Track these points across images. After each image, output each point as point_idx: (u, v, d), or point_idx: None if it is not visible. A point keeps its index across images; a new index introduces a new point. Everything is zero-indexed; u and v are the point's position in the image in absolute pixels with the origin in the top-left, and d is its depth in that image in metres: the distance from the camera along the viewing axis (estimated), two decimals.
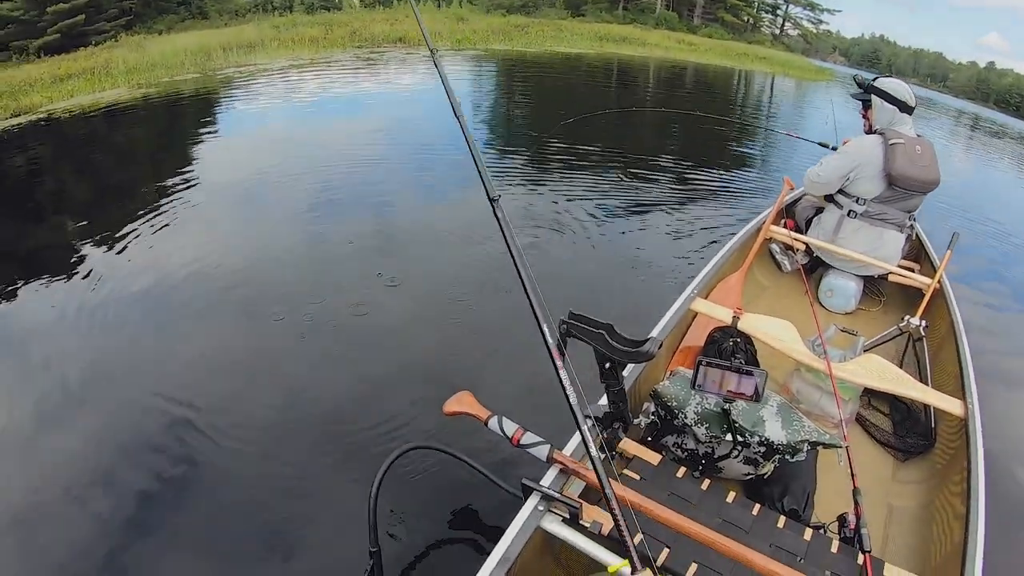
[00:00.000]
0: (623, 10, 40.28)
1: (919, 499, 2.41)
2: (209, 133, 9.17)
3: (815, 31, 51.23)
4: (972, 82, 67.89)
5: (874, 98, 3.68)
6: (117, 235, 5.23)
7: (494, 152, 8.32)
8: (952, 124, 26.54)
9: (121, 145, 9.26)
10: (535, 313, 1.68)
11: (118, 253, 4.94)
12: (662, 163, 8.35)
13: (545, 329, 1.65)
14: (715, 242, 5.11)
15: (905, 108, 3.61)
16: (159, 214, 5.66)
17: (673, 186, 7.35)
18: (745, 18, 46.40)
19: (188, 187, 6.46)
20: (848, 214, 3.68)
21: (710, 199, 7.01)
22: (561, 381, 1.48)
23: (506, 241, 1.76)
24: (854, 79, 3.89)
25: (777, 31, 49.95)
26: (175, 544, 2.42)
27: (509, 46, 23.01)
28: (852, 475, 1.99)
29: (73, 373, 3.45)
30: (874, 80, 3.72)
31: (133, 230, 5.32)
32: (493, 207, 1.87)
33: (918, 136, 3.58)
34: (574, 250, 5.19)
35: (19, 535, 2.47)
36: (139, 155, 8.77)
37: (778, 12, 49.97)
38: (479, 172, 1.87)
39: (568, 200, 6.36)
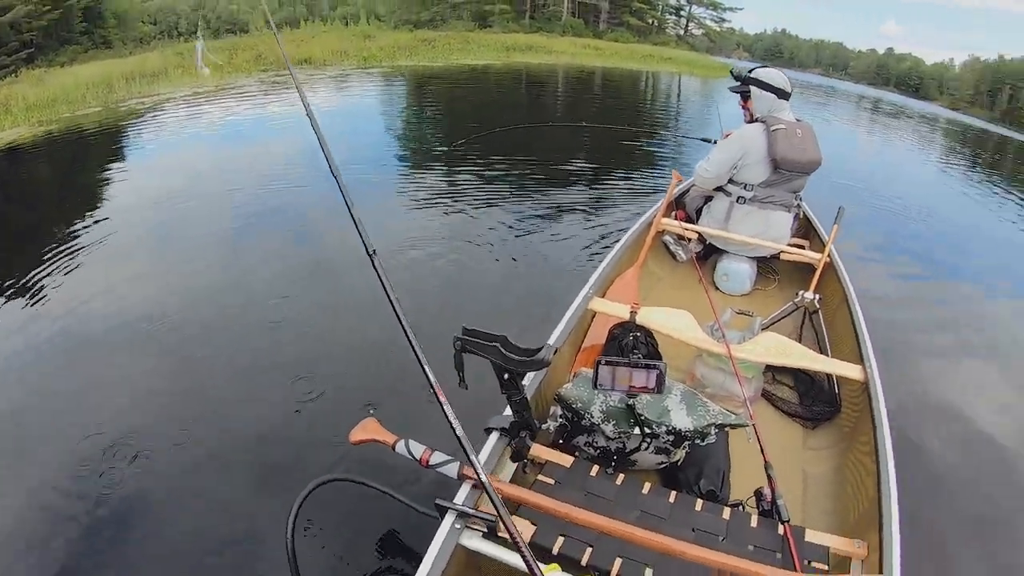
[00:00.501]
0: (530, 19, 40.75)
1: (831, 463, 2.49)
2: (111, 169, 8.84)
3: (718, 29, 52.56)
4: (872, 68, 70.94)
5: (752, 88, 3.82)
6: (25, 279, 5.00)
7: (395, 170, 8.35)
8: (854, 108, 27.83)
9: (24, 186, 8.87)
10: (419, 361, 1.60)
11: (27, 297, 4.73)
12: (565, 171, 8.43)
13: (428, 371, 1.57)
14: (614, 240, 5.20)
15: (783, 95, 3.76)
16: (68, 254, 5.42)
17: (575, 191, 7.44)
18: (650, 20, 47.44)
19: (95, 224, 6.24)
20: (737, 200, 3.80)
21: (609, 201, 7.11)
22: (447, 416, 1.45)
23: (387, 293, 1.73)
24: (731, 72, 4.04)
25: (682, 31, 51.17)
26: None
27: (415, 61, 23.06)
28: (762, 450, 2.02)
29: None
30: (751, 72, 3.85)
31: (42, 273, 5.09)
32: (372, 261, 1.85)
33: (798, 120, 3.73)
34: (477, 261, 5.19)
35: None
36: (44, 195, 8.38)
37: (682, 13, 51.23)
38: (356, 226, 1.82)
39: (471, 213, 6.37)
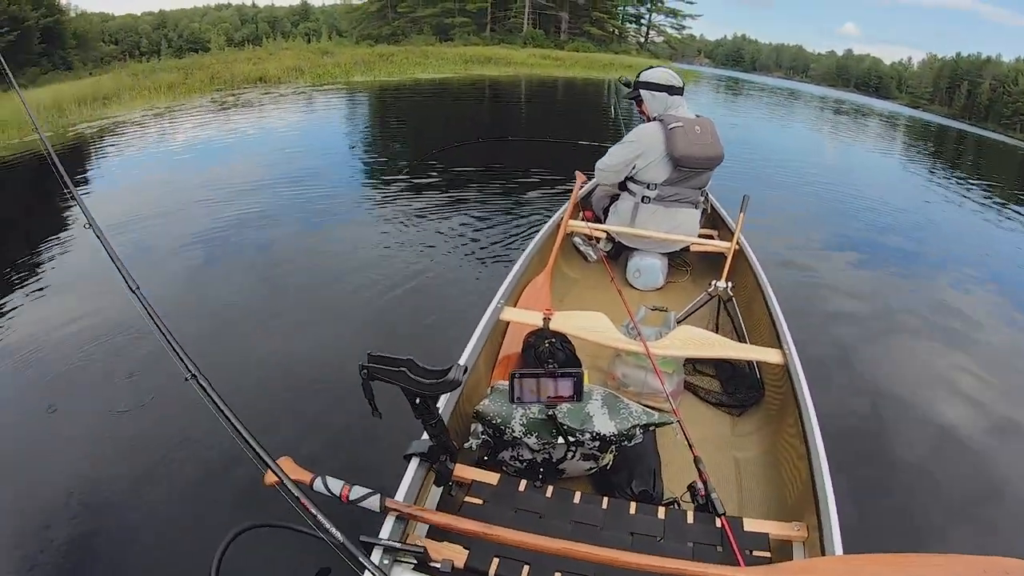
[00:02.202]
0: (490, 31, 40.96)
1: (762, 448, 2.49)
2: (54, 197, 8.77)
3: (679, 36, 53.50)
4: (833, 70, 72.39)
5: (642, 92, 3.86)
6: None
7: (339, 189, 8.31)
8: (817, 111, 28.38)
9: None
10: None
11: None
12: (486, 181, 8.48)
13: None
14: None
15: (674, 91, 3.79)
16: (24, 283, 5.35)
17: (494, 202, 7.42)
18: (610, 29, 47.98)
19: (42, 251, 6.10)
20: (642, 200, 3.81)
21: (528, 208, 7.13)
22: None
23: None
24: (619, 82, 4.13)
25: (643, 39, 51.79)
26: None
27: (372, 77, 23.11)
28: (690, 445, 2.01)
29: None
30: (638, 77, 3.89)
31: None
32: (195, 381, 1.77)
33: (697, 116, 3.75)
34: (388, 279, 5.11)
35: None
36: None
37: (642, 21, 51.97)
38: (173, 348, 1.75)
39: (387, 230, 6.35)
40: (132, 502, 2.86)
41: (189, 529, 2.68)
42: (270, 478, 1.90)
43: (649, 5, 50.91)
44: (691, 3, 58.01)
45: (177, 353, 1.80)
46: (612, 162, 3.82)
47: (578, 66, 30.31)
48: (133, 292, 1.80)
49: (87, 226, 2.14)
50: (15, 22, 30.92)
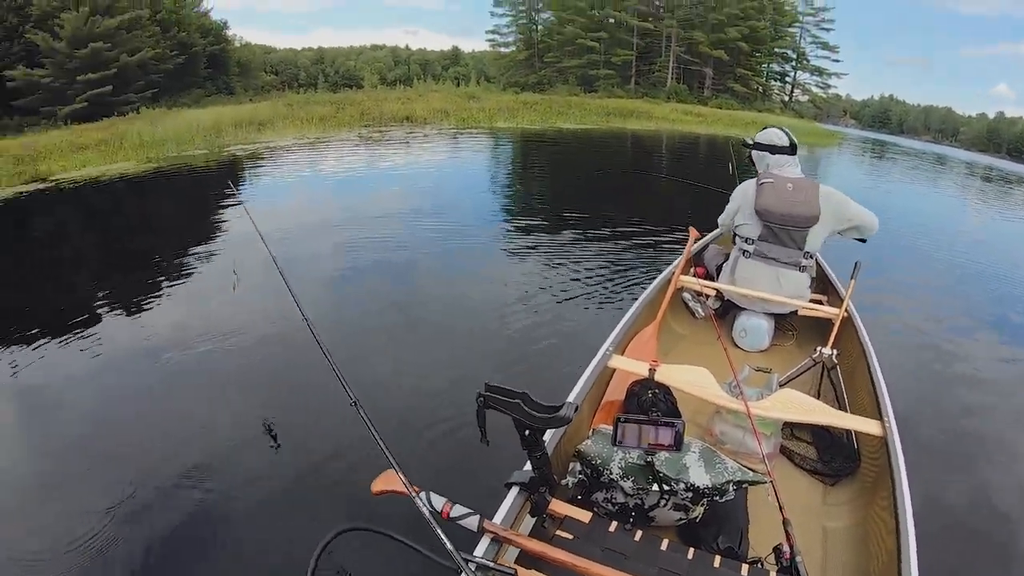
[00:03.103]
0: (635, 84, 41.17)
1: (851, 519, 2.45)
2: (200, 206, 9.77)
3: (824, 96, 51.86)
4: (983, 133, 68.44)
5: (752, 152, 4.01)
6: (130, 301, 5.64)
7: (491, 225, 8.73)
8: (963, 177, 26.94)
9: (128, 216, 9.98)
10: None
11: (130, 317, 5.34)
12: (612, 226, 8.66)
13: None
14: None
15: (776, 150, 3.87)
16: (165, 284, 6.11)
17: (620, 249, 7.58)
18: (755, 87, 47.21)
19: (181, 257, 6.98)
20: (743, 254, 3.86)
21: (642, 257, 7.24)
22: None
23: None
24: (738, 142, 4.27)
25: (787, 98, 50.69)
26: None
27: (514, 123, 23.47)
28: (780, 507, 2.00)
29: (81, 426, 3.78)
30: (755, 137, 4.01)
31: (146, 296, 5.73)
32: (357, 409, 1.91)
33: (799, 176, 3.78)
34: (514, 314, 5.38)
35: None
36: (145, 225, 9.41)
37: (787, 79, 50.84)
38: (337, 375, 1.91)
39: (527, 269, 6.65)
40: (249, 492, 3.21)
41: (294, 527, 2.93)
42: (376, 486, 2.04)
43: (794, 63, 49.89)
44: (837, 61, 56.15)
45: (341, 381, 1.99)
46: (722, 217, 4.00)
47: (720, 123, 29.75)
48: (304, 320, 1.99)
49: (271, 260, 2.32)
50: (184, 47, 33.72)
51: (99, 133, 17.43)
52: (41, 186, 11.44)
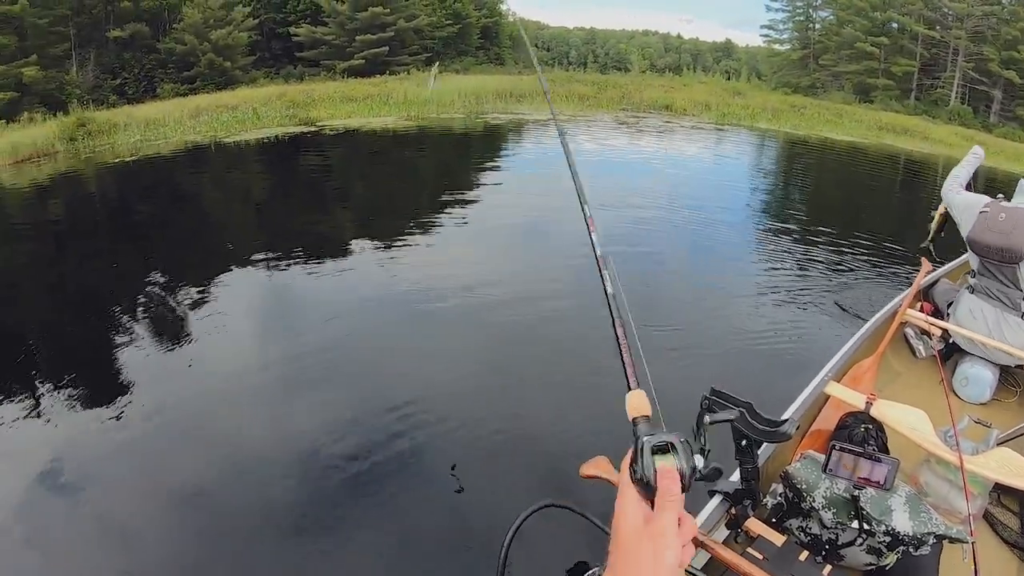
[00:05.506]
0: (914, 100, 37.76)
1: None
2: (469, 169, 10.63)
3: None
4: None
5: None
6: (386, 238, 6.58)
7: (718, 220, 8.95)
8: None
9: (389, 161, 11.37)
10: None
11: (386, 252, 6.26)
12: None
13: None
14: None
15: None
16: (418, 229, 7.02)
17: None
18: None
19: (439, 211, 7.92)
20: (967, 289, 3.63)
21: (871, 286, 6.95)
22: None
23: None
24: None
25: None
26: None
27: (777, 126, 22.57)
28: (976, 572, 1.93)
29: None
30: None
31: (400, 237, 6.62)
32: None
33: (1017, 205, 3.44)
34: (745, 320, 5.57)
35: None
36: (399, 174, 10.67)
37: None
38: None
39: (767, 275, 6.81)
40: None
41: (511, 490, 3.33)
42: (586, 470, 2.22)
43: None
44: None
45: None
46: (955, 184, 3.84)
47: (1003, 155, 26.78)
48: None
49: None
50: (458, 17, 36.84)
51: (370, 88, 19.46)
52: (306, 129, 13.28)
